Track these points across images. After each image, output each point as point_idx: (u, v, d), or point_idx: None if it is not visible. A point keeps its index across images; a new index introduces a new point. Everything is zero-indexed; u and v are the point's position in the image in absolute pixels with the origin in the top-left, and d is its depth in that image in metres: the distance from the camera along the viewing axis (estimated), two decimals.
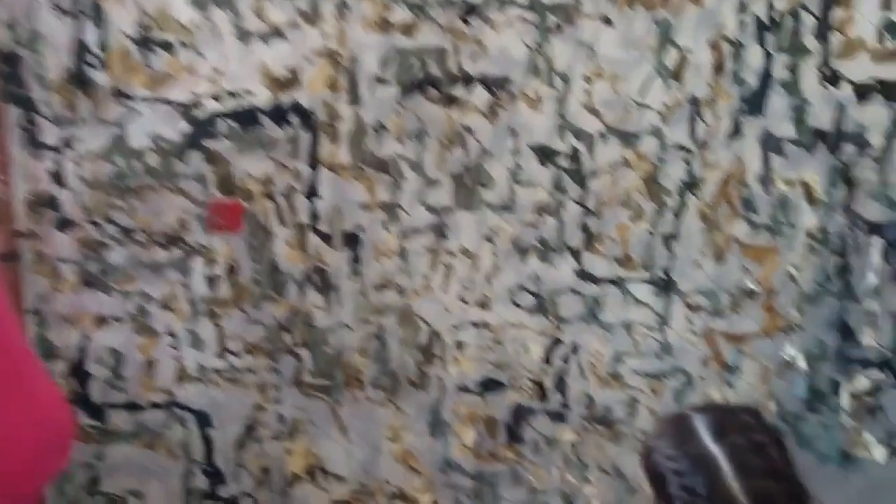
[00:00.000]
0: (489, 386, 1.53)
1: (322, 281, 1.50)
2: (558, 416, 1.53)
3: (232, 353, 1.54)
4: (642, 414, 1.51)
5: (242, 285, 1.51)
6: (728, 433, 0.93)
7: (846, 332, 1.43)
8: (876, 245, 1.39)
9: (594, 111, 1.42)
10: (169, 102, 1.43)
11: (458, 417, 1.55)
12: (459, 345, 1.52)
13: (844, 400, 1.43)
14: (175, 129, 1.44)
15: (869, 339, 1.41)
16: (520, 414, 1.54)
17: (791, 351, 1.43)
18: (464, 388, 1.54)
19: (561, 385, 1.52)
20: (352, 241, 1.48)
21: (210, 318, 1.52)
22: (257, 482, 1.59)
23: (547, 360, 1.51)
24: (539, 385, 1.52)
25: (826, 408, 1.45)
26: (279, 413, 1.56)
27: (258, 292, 1.50)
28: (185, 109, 1.43)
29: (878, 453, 1.42)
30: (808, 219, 1.40)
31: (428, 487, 1.57)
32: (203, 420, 1.57)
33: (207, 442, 1.57)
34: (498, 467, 1.56)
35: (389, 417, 1.56)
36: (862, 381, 1.41)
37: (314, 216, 1.47)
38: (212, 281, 1.51)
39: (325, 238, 1.48)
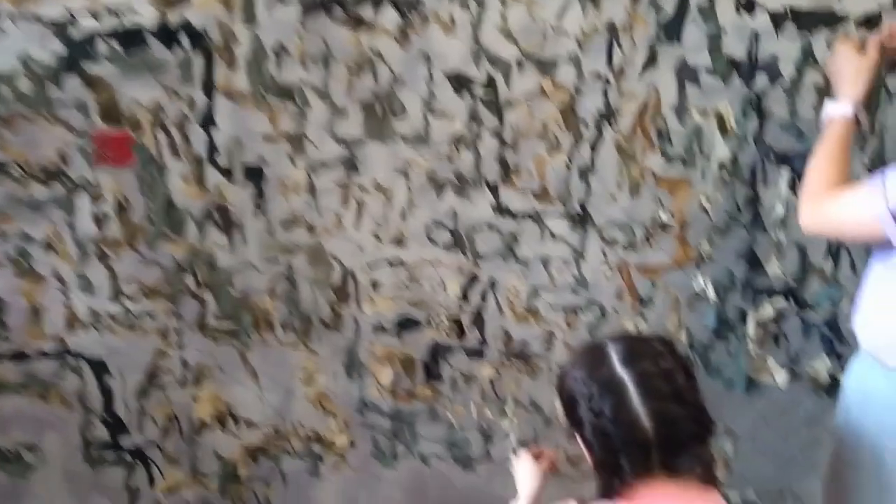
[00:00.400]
0: (406, 325, 1.49)
1: (223, 219, 1.40)
2: (476, 353, 1.52)
3: (127, 296, 1.43)
4: (558, 348, 1.51)
5: (135, 224, 1.39)
6: (638, 360, 0.95)
7: (754, 263, 1.46)
8: (784, 176, 1.40)
9: (510, 37, 1.35)
10: (39, 19, 1.27)
11: (374, 357, 1.51)
12: (374, 284, 1.47)
13: (751, 328, 1.47)
14: (48, 50, 1.28)
15: (775, 268, 1.44)
16: (437, 352, 1.51)
17: (701, 282, 1.45)
18: (379, 328, 1.49)
19: (478, 322, 1.49)
20: (254, 175, 1.38)
21: (101, 260, 1.41)
22: (163, 431, 1.51)
23: (464, 297, 1.48)
24: (457, 322, 1.49)
25: (733, 336, 1.49)
26: (183, 359, 1.48)
27: (153, 231, 1.39)
28: (59, 28, 1.28)
29: (780, 378, 1.48)
30: (721, 150, 1.40)
31: (344, 429, 1.54)
32: (99, 368, 1.46)
33: (105, 391, 1.47)
34: (416, 406, 1.54)
35: (302, 360, 1.50)
36: (767, 310, 1.45)
37: (211, 148, 1.36)
38: (100, 219, 1.39)
39: (225, 172, 1.37)
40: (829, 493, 1.23)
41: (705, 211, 1.43)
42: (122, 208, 1.38)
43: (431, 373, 1.52)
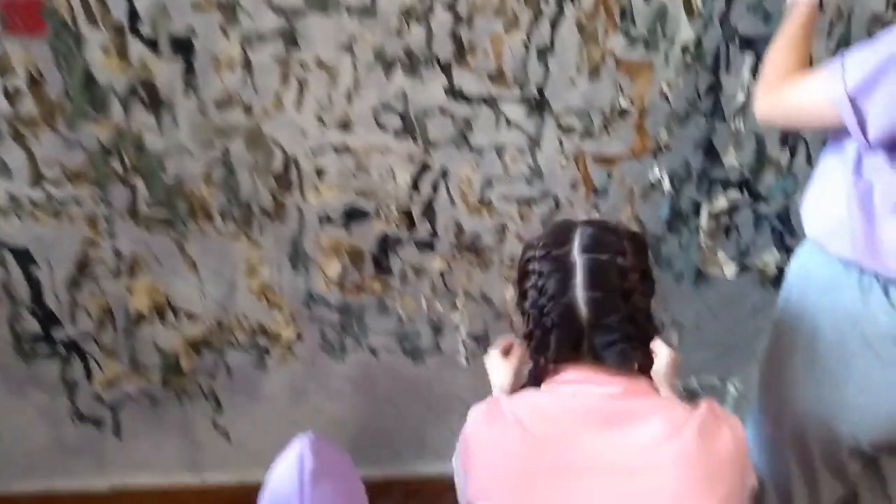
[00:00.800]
0: (353, 216, 1.43)
1: (151, 97, 1.28)
2: (427, 246, 1.47)
3: (49, 181, 1.32)
4: (510, 241, 1.48)
5: (51, 101, 1.26)
6: (597, 249, 0.92)
7: (711, 153, 1.42)
8: (747, 62, 1.35)
9: None
10: None
11: (320, 249, 1.45)
12: (319, 171, 1.38)
13: (704, 220, 1.45)
14: None
15: (731, 159, 1.41)
16: (386, 244, 1.46)
17: (657, 172, 1.42)
18: (325, 219, 1.43)
19: (429, 213, 1.44)
20: (183, 48, 1.25)
21: (15, 141, 1.28)
22: (98, 323, 1.45)
23: (415, 187, 1.41)
24: (407, 214, 1.43)
25: (685, 229, 1.47)
26: (115, 248, 1.39)
27: (72, 109, 1.27)
28: None
29: (729, 270, 1.48)
30: (685, 32, 1.32)
31: (291, 321, 1.50)
32: (24, 258, 1.37)
33: (33, 282, 1.39)
34: (364, 299, 1.51)
35: (244, 251, 1.43)
36: (721, 202, 1.44)
37: (133, 15, 1.22)
38: (12, 95, 1.25)
39: (150, 44, 1.24)
40: (765, 376, 1.26)
41: (665, 98, 1.37)
42: (35, 83, 1.25)
43: (381, 265, 1.48)
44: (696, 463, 0.83)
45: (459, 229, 1.46)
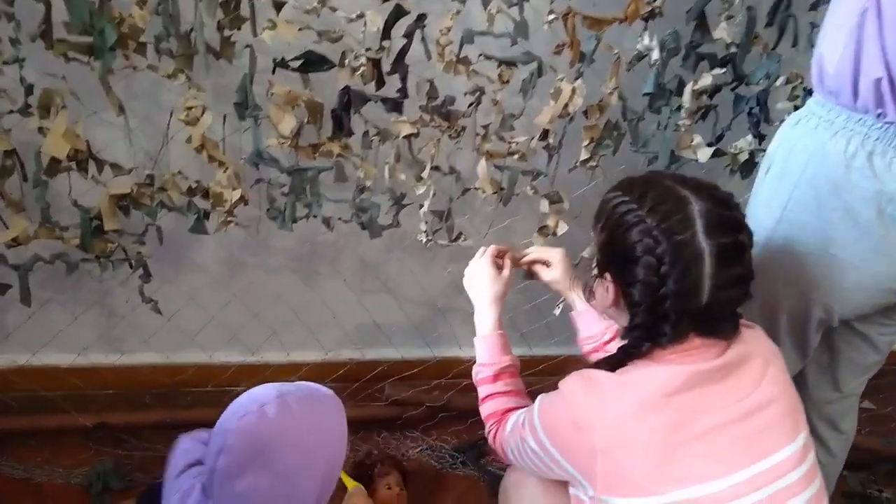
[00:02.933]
0: (314, 63, 1.25)
1: None
2: (395, 106, 1.32)
3: None
4: (485, 107, 1.36)
5: None
6: (722, 231, 0.85)
7: (702, 25, 1.34)
8: None
9: None
10: None
11: (273, 100, 1.27)
12: (277, 4, 1.19)
13: (686, 98, 1.38)
14: None
15: (722, 31, 1.34)
16: (349, 100, 1.30)
17: (647, 40, 1.32)
18: (281, 63, 1.24)
19: (400, 67, 1.28)
20: None
21: None
22: (3, 170, 1.22)
23: (386, 35, 1.25)
24: (375, 65, 1.26)
25: (667, 107, 1.40)
26: (23, 79, 1.16)
27: None
28: None
29: (703, 154, 1.44)
30: None
31: (235, 182, 1.32)
32: None
33: None
34: (320, 162, 1.35)
35: (182, 93, 1.23)
36: (706, 79, 1.37)
37: None
38: None
39: None
40: None
41: None
42: None
43: (341, 125, 1.32)
44: (784, 375, 0.92)
45: (432, 89, 1.32)
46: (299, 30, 1.20)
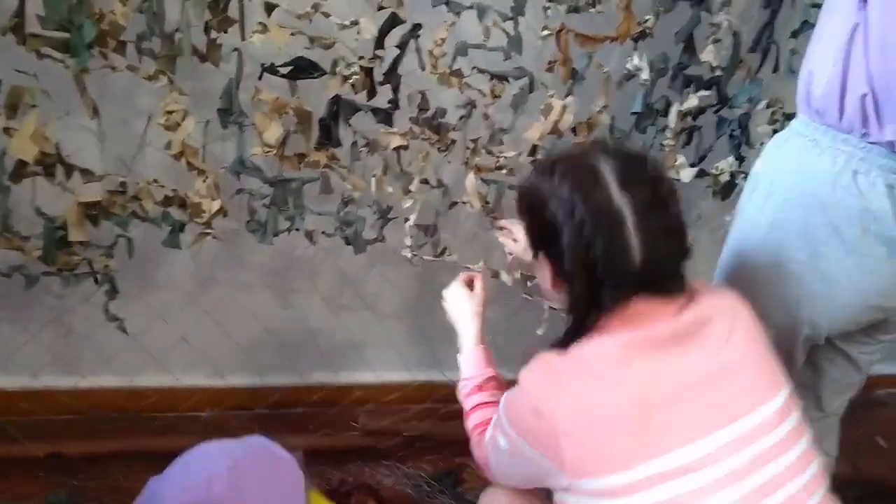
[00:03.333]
0: (304, 69, 1.21)
1: None
2: (385, 117, 1.29)
3: None
4: (475, 120, 1.34)
5: None
6: (636, 185, 0.83)
7: (689, 47, 1.37)
8: None
9: None
10: None
11: (259, 106, 1.21)
12: (268, 6, 1.14)
13: (672, 118, 1.40)
14: None
15: (708, 54, 1.36)
16: (338, 109, 1.26)
17: (637, 60, 1.33)
18: (270, 69, 1.20)
19: (393, 77, 1.25)
20: None
21: None
22: None
23: (380, 43, 1.22)
24: (368, 74, 1.23)
25: (653, 127, 1.42)
26: None
27: None
28: None
29: (686, 174, 1.45)
30: None
31: (214, 192, 1.25)
32: None
33: None
34: (305, 172, 1.30)
35: (163, 97, 1.17)
36: (692, 101, 1.39)
37: None
38: None
39: None
40: (726, 271, 1.25)
41: None
42: None
43: (329, 135, 1.28)
44: (757, 335, 0.88)
45: (424, 101, 1.29)
46: (291, 34, 1.16)
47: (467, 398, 1.14)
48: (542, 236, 0.88)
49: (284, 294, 1.58)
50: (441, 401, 1.71)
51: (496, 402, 1.09)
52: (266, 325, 1.58)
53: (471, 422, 1.12)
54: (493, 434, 0.96)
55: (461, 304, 1.19)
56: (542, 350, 0.89)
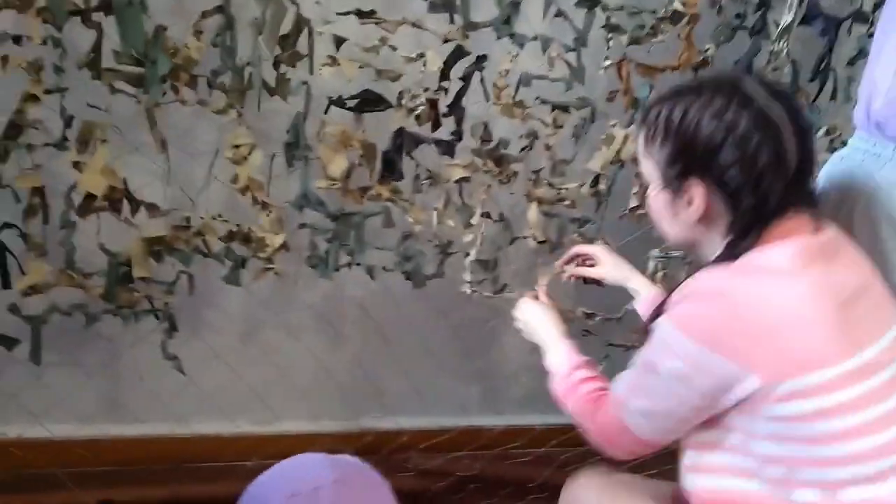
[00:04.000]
0: (370, 101, 1.21)
1: None
2: (448, 149, 1.28)
3: None
4: (537, 151, 1.33)
5: None
6: (782, 94, 0.86)
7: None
8: None
9: None
10: None
11: (325, 139, 1.21)
12: (337, 41, 1.15)
13: None
14: None
15: None
16: (403, 141, 1.25)
17: None
18: (338, 102, 1.20)
19: (457, 109, 1.25)
20: None
21: None
22: (28, 208, 1.11)
23: (445, 75, 1.22)
24: (432, 105, 1.23)
25: None
26: (63, 109, 1.07)
27: None
28: None
29: None
30: None
31: (278, 227, 1.24)
32: None
33: None
34: (367, 207, 1.29)
35: (230, 130, 1.17)
36: None
37: None
38: None
39: None
40: None
41: (718, 7, 1.29)
42: None
43: (392, 168, 1.27)
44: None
45: (486, 132, 1.28)
46: (359, 67, 1.16)
47: (569, 376, 1.03)
48: (699, 156, 0.84)
49: (337, 336, 1.55)
50: (489, 447, 1.64)
51: (599, 378, 1.03)
52: (319, 367, 1.54)
53: (579, 394, 1.00)
54: (643, 376, 0.89)
55: (538, 314, 1.13)
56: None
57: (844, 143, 1.42)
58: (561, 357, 1.07)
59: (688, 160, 0.86)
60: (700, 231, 0.90)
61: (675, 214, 0.90)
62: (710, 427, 0.87)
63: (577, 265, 1.20)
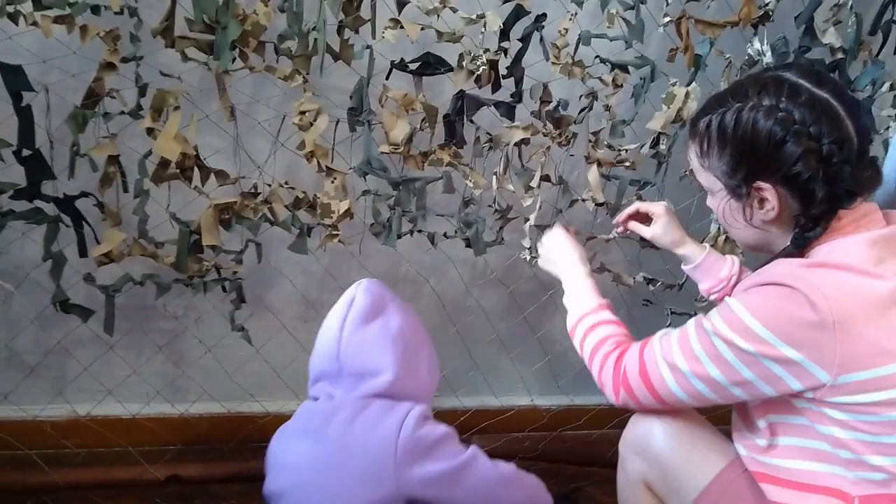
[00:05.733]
0: (431, 64, 1.22)
1: None
2: (508, 110, 1.28)
3: None
4: (596, 112, 1.32)
5: None
6: (825, 79, 0.85)
7: (811, 30, 1.34)
8: None
9: None
10: None
11: (387, 105, 1.22)
12: (399, 3, 1.16)
13: None
14: None
15: (830, 37, 1.34)
16: (463, 104, 1.25)
17: (758, 45, 1.31)
18: (400, 65, 1.21)
19: (516, 69, 1.25)
20: None
21: None
22: (104, 177, 1.13)
23: (505, 35, 1.22)
24: (493, 67, 1.23)
25: None
26: (138, 77, 1.10)
27: None
28: None
29: None
30: None
31: (342, 193, 1.25)
32: (14, 77, 1.04)
33: (23, 112, 1.06)
34: (429, 171, 1.29)
35: (296, 97, 1.18)
36: None
37: None
38: None
39: None
40: None
41: None
42: None
43: (453, 132, 1.27)
44: None
45: (546, 93, 1.28)
46: (421, 29, 1.17)
47: (588, 315, 1.04)
48: (762, 156, 0.84)
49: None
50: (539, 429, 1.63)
51: (620, 322, 1.03)
52: None
53: (594, 336, 1.01)
54: (685, 342, 0.88)
55: (566, 248, 1.13)
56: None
57: None
58: (585, 295, 1.07)
59: (751, 164, 0.85)
60: (773, 229, 0.90)
61: (749, 218, 0.90)
62: (780, 410, 0.87)
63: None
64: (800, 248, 0.86)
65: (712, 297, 1.17)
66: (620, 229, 1.24)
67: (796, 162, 0.82)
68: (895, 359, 0.78)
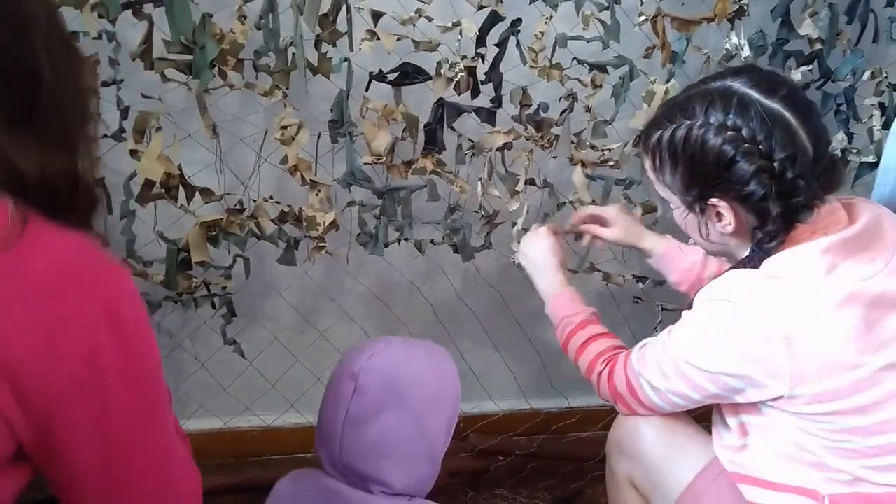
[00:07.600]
0: (409, 74, 1.23)
1: None
2: (488, 115, 1.29)
3: None
4: (577, 113, 1.33)
5: None
6: (775, 87, 0.83)
7: (787, 22, 1.35)
8: None
9: None
10: None
11: (367, 116, 1.23)
12: (375, 14, 1.18)
13: None
14: None
15: (807, 28, 1.34)
16: (443, 112, 1.26)
17: (736, 39, 1.32)
18: (379, 76, 1.22)
19: (495, 74, 1.26)
20: None
21: None
22: None
23: (482, 41, 1.23)
24: (470, 73, 1.24)
25: None
26: (119, 99, 1.11)
27: None
28: None
29: None
30: None
31: (328, 206, 1.26)
32: None
33: None
34: (412, 180, 1.30)
35: (277, 112, 1.19)
36: (794, 76, 1.36)
37: None
38: None
39: None
40: None
41: None
42: None
43: (434, 140, 1.28)
44: None
45: (525, 96, 1.29)
46: (398, 40, 1.18)
47: (574, 334, 1.06)
48: (713, 174, 0.84)
49: (388, 321, 1.56)
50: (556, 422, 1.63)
51: (608, 334, 1.06)
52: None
53: (587, 355, 1.04)
54: (655, 359, 0.91)
55: (546, 255, 1.13)
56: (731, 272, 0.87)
57: (893, 87, 1.40)
58: (567, 305, 1.10)
59: (704, 183, 0.85)
60: (731, 241, 0.91)
61: (705, 235, 0.90)
62: (749, 411, 0.88)
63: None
64: (760, 258, 0.86)
65: (682, 290, 1.18)
66: (586, 241, 1.24)
67: (749, 181, 0.81)
68: (844, 370, 0.78)
